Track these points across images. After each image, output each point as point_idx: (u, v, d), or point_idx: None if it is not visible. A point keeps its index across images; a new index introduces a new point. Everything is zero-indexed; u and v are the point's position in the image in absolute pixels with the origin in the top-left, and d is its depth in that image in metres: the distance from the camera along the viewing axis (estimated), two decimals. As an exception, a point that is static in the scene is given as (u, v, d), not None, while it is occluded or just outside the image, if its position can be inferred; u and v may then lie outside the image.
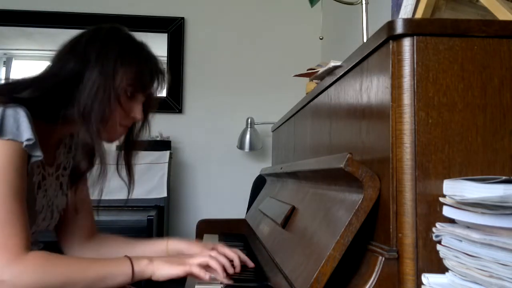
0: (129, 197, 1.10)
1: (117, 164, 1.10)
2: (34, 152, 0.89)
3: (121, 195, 1.15)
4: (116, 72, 0.96)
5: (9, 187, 0.84)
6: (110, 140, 1.04)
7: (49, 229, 1.11)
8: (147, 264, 0.93)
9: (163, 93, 3.02)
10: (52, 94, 0.94)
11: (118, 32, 1.02)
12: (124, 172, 1.11)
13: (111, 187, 1.33)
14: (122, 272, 0.91)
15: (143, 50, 1.04)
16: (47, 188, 1.05)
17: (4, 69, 3.02)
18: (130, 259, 0.93)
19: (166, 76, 1.07)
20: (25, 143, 0.87)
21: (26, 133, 0.87)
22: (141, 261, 0.93)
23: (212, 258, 0.97)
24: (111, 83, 0.95)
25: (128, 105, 1.01)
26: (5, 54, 3.04)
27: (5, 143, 0.85)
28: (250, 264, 1.12)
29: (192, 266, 0.94)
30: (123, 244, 1.19)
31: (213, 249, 1.08)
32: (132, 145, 1.12)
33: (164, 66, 1.10)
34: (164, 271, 0.94)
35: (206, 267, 0.98)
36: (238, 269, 1.07)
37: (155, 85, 1.04)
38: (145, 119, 1.09)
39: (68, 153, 1.14)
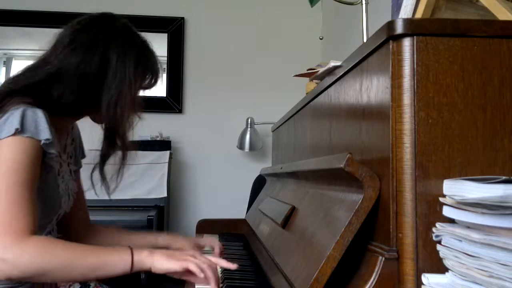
0: (118, 182, 1.16)
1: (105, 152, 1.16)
2: (50, 149, 0.97)
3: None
4: (136, 75, 1.06)
5: (21, 176, 0.91)
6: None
7: (67, 211, 1.18)
8: (147, 255, 0.95)
9: (162, 93, 3.02)
10: (80, 95, 1.02)
11: (133, 34, 1.12)
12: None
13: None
14: (122, 261, 0.92)
15: (153, 53, 1.14)
16: (64, 174, 1.13)
17: (4, 69, 3.02)
18: (131, 249, 0.95)
19: (161, 75, 1.18)
20: (43, 141, 0.94)
21: (44, 133, 0.94)
22: (141, 252, 0.94)
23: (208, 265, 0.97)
24: (131, 83, 1.05)
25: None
26: (5, 54, 3.04)
27: (25, 140, 0.92)
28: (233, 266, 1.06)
29: (190, 263, 0.95)
30: (117, 234, 1.28)
31: (196, 245, 1.25)
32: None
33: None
34: (163, 264, 0.94)
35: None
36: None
37: (153, 83, 1.15)
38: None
39: (71, 144, 1.22)
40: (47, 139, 0.94)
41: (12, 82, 1.02)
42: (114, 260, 0.92)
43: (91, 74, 1.02)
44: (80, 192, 1.28)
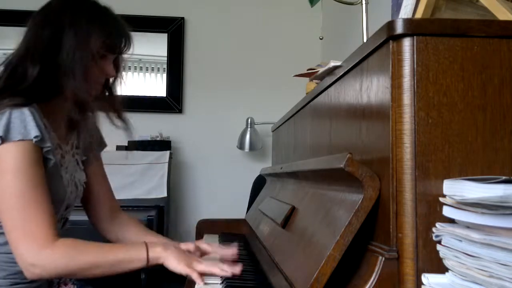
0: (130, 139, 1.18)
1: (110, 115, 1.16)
2: (43, 144, 0.99)
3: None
4: (89, 36, 1.04)
5: (28, 184, 0.94)
6: (90, 96, 1.11)
7: (76, 203, 1.20)
8: (161, 251, 1.01)
9: (162, 93, 3.02)
10: (44, 67, 1.02)
11: (86, 1, 1.10)
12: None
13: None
14: (138, 258, 1.00)
15: (110, 15, 1.12)
16: (68, 165, 1.14)
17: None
18: (146, 245, 1.01)
19: (131, 36, 1.14)
20: (34, 140, 0.96)
21: (33, 130, 0.96)
22: (155, 248, 1.01)
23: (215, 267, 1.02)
24: (86, 46, 1.04)
25: (101, 64, 1.09)
26: (5, 54, 3.03)
27: (17, 144, 0.95)
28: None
29: (194, 272, 0.99)
30: (141, 232, 1.31)
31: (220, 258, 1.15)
32: (113, 98, 1.20)
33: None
34: (172, 264, 1.00)
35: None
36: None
37: (122, 45, 1.12)
38: (117, 75, 1.18)
39: (74, 134, 1.22)
40: (36, 136, 0.96)
41: None
42: (131, 257, 0.99)
43: (47, 42, 1.03)
44: (101, 179, 1.29)
